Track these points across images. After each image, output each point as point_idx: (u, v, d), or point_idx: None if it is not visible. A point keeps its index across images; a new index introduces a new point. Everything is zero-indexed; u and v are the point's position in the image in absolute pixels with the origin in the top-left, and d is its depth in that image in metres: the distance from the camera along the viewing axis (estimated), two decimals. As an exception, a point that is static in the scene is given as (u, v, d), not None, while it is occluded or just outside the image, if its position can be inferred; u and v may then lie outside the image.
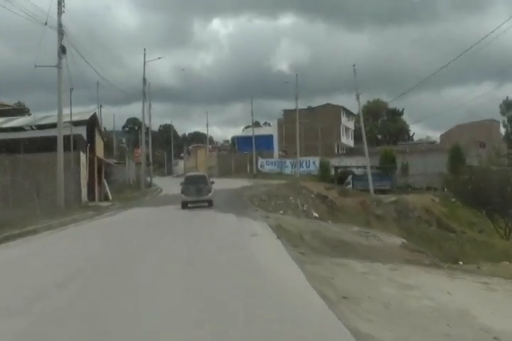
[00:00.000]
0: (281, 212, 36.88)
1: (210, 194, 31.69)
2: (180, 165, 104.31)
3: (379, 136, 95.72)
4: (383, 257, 16.30)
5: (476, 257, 23.64)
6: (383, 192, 60.46)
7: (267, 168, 79.50)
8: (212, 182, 33.74)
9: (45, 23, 25.99)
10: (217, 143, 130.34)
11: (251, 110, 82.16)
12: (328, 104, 79.63)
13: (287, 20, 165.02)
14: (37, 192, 30.24)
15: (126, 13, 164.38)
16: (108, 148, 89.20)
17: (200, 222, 22.27)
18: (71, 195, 34.02)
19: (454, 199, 50.73)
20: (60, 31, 27.25)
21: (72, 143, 34.63)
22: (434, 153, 75.89)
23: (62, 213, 27.18)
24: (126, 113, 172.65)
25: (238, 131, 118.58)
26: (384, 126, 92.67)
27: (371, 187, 48.94)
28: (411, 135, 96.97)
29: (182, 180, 35.13)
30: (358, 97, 47.03)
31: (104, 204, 37.05)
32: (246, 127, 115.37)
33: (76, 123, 37.07)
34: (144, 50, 50.48)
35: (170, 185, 65.68)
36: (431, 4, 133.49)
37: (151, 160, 65.32)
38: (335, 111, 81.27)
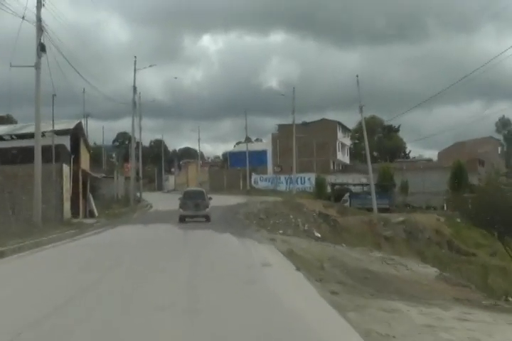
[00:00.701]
0: (280, 231, 33.78)
1: (207, 209, 32.27)
2: (170, 181, 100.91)
3: (375, 153, 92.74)
4: (425, 294, 13.01)
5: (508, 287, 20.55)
6: (382, 211, 57.56)
7: (261, 185, 76.26)
8: (210, 198, 34.18)
9: (23, 17, 22.72)
10: (208, 158, 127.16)
11: (244, 125, 79.88)
12: (323, 119, 76.74)
13: (278, 37, 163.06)
14: (12, 207, 26.84)
15: (117, 28, 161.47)
16: (97, 162, 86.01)
17: (196, 246, 18.77)
18: (52, 210, 30.61)
19: (458, 219, 47.61)
20: (39, 27, 23.99)
21: (54, 154, 31.23)
22: (433, 171, 73.03)
23: (39, 232, 23.66)
24: (116, 127, 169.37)
25: (228, 147, 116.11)
26: (380, 142, 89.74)
27: (375, 206, 45.81)
28: (407, 152, 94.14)
29: (180, 195, 35.32)
30: (361, 110, 43.99)
31: (89, 221, 33.59)
32: (238, 143, 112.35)
33: (59, 133, 33.71)
34: (135, 57, 47.18)
35: (160, 201, 62.27)
36: (421, 23, 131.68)
37: (140, 174, 61.87)
38: (331, 127, 78.32)
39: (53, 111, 31.46)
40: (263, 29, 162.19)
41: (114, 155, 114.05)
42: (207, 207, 32.31)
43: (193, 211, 31.96)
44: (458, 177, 61.62)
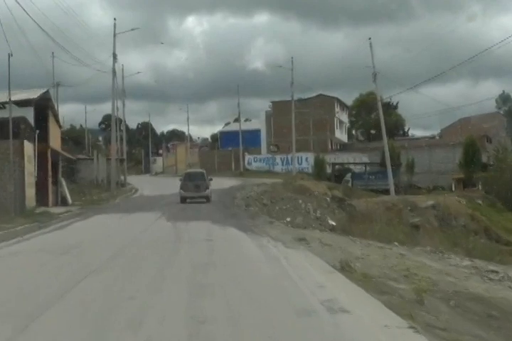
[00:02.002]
0: (288, 219, 27.67)
1: (207, 190, 32.07)
2: (158, 163, 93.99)
3: (372, 131, 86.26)
4: None
5: None
6: (387, 192, 51.43)
7: (255, 166, 69.72)
8: (210, 179, 34.20)
9: None
10: (198, 138, 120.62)
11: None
12: (320, 95, 69.84)
13: (262, 19, 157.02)
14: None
15: (99, 11, 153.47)
16: (82, 145, 79.28)
17: (191, 255, 11.89)
18: (9, 197, 24.02)
19: (480, 201, 41.36)
20: None
21: (12, 128, 24.51)
22: (439, 149, 66.78)
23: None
24: (103, 110, 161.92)
25: (215, 129, 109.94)
26: (379, 120, 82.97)
27: (392, 188, 39.28)
28: (406, 130, 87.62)
29: (181, 176, 35.32)
30: (374, 78, 37.24)
31: (58, 210, 26.94)
32: (226, 124, 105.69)
33: (21, 104, 27.02)
34: (114, 19, 40.21)
35: (147, 184, 55.67)
36: (406, 3, 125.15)
37: (124, 155, 55.09)
38: (328, 103, 71.61)
39: (9, 73, 24.62)
40: (247, 10, 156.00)
41: (100, 138, 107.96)
42: (207, 188, 32.09)
43: (194, 192, 31.74)
44: (470, 155, 55.24)
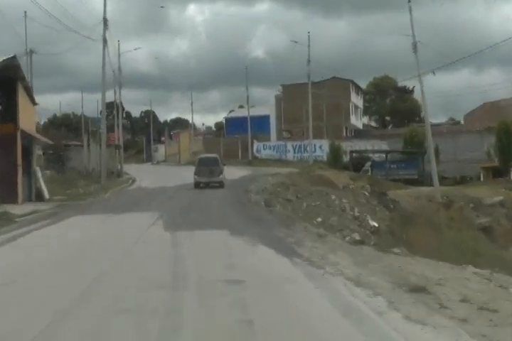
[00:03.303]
0: (319, 219, 21.17)
1: (221, 175, 31.25)
2: (160, 151, 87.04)
3: (387, 118, 79.46)
4: None
5: None
6: (411, 182, 45.01)
7: (264, 154, 62.82)
8: (224, 164, 33.35)
9: None
10: (203, 125, 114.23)
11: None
12: (334, 78, 62.66)
13: (263, 7, 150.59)
14: None
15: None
16: (79, 132, 72.50)
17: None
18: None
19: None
20: None
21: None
22: (464, 136, 59.87)
23: None
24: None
25: (218, 117, 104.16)
26: (393, 105, 76.10)
27: (435, 178, 32.43)
28: (422, 116, 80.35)
29: (196, 161, 34.48)
30: (415, 47, 30.25)
31: (25, 209, 20.21)
32: (230, 111, 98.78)
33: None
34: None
35: (147, 174, 48.86)
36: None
37: (121, 142, 48.25)
38: (343, 86, 64.43)
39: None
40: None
41: (101, 126, 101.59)
42: (221, 173, 31.22)
43: (208, 177, 30.77)
44: (504, 142, 48.36)
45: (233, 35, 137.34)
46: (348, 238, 20.11)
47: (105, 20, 32.09)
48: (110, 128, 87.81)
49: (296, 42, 48.19)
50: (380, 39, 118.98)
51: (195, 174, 31.12)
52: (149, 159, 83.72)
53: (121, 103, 47.29)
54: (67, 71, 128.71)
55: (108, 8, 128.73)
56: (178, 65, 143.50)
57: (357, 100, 68.70)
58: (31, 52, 30.54)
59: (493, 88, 75.88)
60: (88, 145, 37.28)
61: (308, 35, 49.44)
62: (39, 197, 24.80)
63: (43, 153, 41.04)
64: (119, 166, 45.62)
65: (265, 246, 11.18)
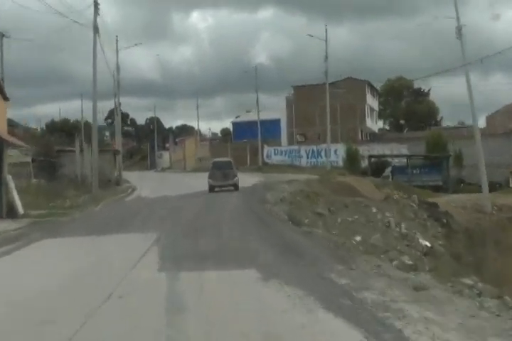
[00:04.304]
0: (358, 238, 16.38)
1: (235, 178, 30.83)
2: (165, 158, 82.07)
3: (401, 122, 74.37)
4: None
5: None
6: (435, 189, 40.27)
7: (275, 159, 57.81)
8: (237, 168, 33.69)
9: None
10: (208, 130, 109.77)
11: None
12: (349, 78, 57.70)
13: (267, 13, 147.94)
14: None
15: (104, 6, 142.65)
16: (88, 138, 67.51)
17: None
18: None
19: None
20: None
21: None
22: (488, 139, 54.73)
23: None
24: (109, 106, 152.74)
25: (223, 124, 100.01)
26: (410, 108, 70.93)
27: (485, 185, 27.39)
28: (439, 119, 75.31)
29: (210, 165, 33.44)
30: (459, 33, 25.22)
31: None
32: (237, 117, 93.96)
33: None
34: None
35: (149, 182, 44.03)
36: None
37: (120, 147, 43.26)
38: (359, 87, 59.50)
39: None
40: (252, 5, 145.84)
41: (107, 133, 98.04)
42: (235, 176, 31.10)
43: (222, 181, 30.71)
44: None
45: (237, 41, 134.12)
46: (395, 262, 15.28)
47: (96, 4, 27.15)
48: (114, 135, 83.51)
49: (311, 35, 43.18)
50: (383, 44, 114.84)
51: (210, 178, 30.88)
52: (153, 166, 78.87)
53: (119, 104, 42.39)
54: (70, 78, 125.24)
55: (112, 15, 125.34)
56: (182, 72, 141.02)
57: (372, 102, 63.75)
58: (2, 35, 25.61)
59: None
60: (81, 150, 32.30)
61: (326, 29, 44.40)
62: (11, 213, 19.79)
63: (33, 160, 36.24)
64: (117, 173, 40.67)
65: (328, 311, 6.18)
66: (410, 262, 15.99)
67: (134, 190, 36.28)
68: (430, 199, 26.36)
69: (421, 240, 18.03)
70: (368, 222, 18.23)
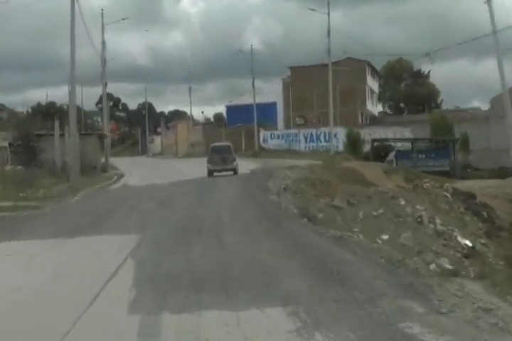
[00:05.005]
0: (384, 236, 12.94)
1: (234, 163, 30.46)
2: (156, 143, 78.40)
3: (401, 105, 70.92)
4: None
5: None
6: (442, 174, 37.14)
7: (272, 144, 54.29)
8: (241, 150, 36.63)
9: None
10: (201, 113, 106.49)
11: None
12: (349, 59, 54.04)
13: None
14: None
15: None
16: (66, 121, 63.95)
17: None
18: None
19: None
20: None
21: None
22: (495, 122, 51.51)
23: None
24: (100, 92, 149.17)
25: (216, 109, 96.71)
26: (411, 90, 67.36)
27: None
28: (439, 102, 71.79)
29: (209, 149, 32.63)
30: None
31: None
32: (229, 102, 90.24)
33: None
34: None
35: (138, 169, 40.54)
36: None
37: (108, 131, 39.65)
38: (358, 68, 55.81)
39: None
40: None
41: (99, 119, 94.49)
42: (234, 160, 30.48)
43: (221, 165, 29.93)
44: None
45: (228, 26, 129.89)
46: (432, 266, 11.98)
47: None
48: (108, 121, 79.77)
49: (313, 10, 39.47)
50: (378, 29, 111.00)
51: (208, 162, 30.26)
52: (144, 151, 75.27)
53: (106, 83, 38.67)
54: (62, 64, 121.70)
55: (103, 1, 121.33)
56: (174, 57, 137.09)
57: (373, 84, 60.22)
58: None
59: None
60: (62, 134, 28.70)
61: (328, 2, 40.62)
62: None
63: (10, 145, 32.78)
64: (104, 159, 37.14)
65: None
66: (450, 266, 12.72)
67: (121, 177, 32.79)
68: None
69: (460, 238, 14.63)
70: (395, 217, 14.83)
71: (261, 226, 11.58)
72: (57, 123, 29.72)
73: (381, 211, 15.23)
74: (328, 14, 39.45)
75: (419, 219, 15.10)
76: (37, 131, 35.92)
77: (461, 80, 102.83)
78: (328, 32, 39.32)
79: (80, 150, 32.21)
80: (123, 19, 35.64)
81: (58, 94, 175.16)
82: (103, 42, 37.38)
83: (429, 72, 70.30)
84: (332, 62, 50.17)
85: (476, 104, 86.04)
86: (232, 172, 29.52)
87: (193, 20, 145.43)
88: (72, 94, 26.95)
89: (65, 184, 23.65)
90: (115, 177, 31.12)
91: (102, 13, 38.05)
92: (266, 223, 12.24)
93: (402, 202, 15.62)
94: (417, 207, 15.58)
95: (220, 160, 29.94)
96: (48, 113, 57.34)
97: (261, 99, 58.62)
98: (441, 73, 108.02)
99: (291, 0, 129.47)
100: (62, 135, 32.66)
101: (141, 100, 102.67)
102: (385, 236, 13.88)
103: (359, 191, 16.23)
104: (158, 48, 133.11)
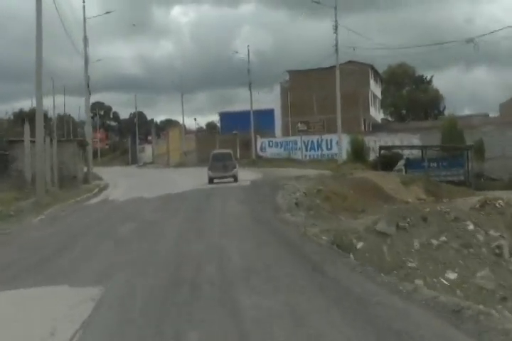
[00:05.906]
0: (450, 275, 8.00)
1: (235, 170, 30.00)
2: (147, 152, 73.79)
3: (403, 111, 66.92)
4: None
5: None
6: (456, 184, 32.93)
7: (270, 152, 49.98)
8: (236, 159, 34.32)
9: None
10: (194, 120, 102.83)
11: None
12: (351, 62, 49.94)
13: (249, 7, 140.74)
14: None
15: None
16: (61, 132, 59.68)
17: None
18: None
19: None
20: None
21: None
22: (508, 129, 47.66)
23: None
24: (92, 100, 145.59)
25: (207, 119, 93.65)
26: (413, 96, 63.33)
27: None
28: (442, 109, 67.77)
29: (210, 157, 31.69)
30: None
31: None
32: (220, 113, 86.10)
33: None
34: None
35: (126, 179, 36.17)
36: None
37: (89, 139, 35.18)
38: (361, 72, 51.75)
39: None
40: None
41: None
42: (234, 167, 29.96)
43: (222, 172, 29.50)
44: None
45: (219, 36, 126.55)
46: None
47: None
48: (95, 129, 75.27)
49: (318, 2, 35.26)
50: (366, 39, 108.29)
51: (209, 170, 29.97)
52: (135, 161, 70.71)
53: (88, 84, 34.19)
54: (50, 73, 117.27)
55: (93, 10, 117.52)
56: (165, 68, 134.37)
57: (376, 89, 56.12)
58: None
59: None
60: (32, 141, 24.29)
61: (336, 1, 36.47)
62: None
63: (-22, 153, 28.38)
64: (85, 169, 32.68)
65: None
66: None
67: (103, 189, 28.35)
68: (475, 199, 18.88)
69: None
70: (464, 248, 10.59)
71: (292, 273, 7.28)
72: (27, 128, 25.29)
73: (443, 238, 10.96)
74: (336, 8, 35.24)
75: (497, 251, 10.86)
76: (11, 138, 31.60)
77: (455, 88, 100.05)
78: (335, 27, 35.11)
79: (57, 159, 27.85)
80: (107, 12, 31.36)
81: (45, 103, 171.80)
82: (85, 39, 33.07)
83: (431, 77, 66.49)
84: (333, 66, 46.13)
85: (467, 111, 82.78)
86: (232, 179, 28.86)
87: (184, 29, 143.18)
88: (38, 92, 22.73)
89: (31, 199, 19.22)
90: (96, 190, 26.65)
91: (84, 6, 33.78)
92: (296, 265, 7.93)
93: (471, 227, 11.30)
94: (491, 232, 11.31)
95: (221, 167, 29.45)
96: (33, 119, 52.99)
97: (257, 106, 54.46)
98: (442, 79, 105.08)
99: (282, 9, 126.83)
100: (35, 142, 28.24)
101: (133, 109, 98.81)
102: (452, 275, 9.67)
103: (411, 211, 11.90)
104: (150, 58, 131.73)
